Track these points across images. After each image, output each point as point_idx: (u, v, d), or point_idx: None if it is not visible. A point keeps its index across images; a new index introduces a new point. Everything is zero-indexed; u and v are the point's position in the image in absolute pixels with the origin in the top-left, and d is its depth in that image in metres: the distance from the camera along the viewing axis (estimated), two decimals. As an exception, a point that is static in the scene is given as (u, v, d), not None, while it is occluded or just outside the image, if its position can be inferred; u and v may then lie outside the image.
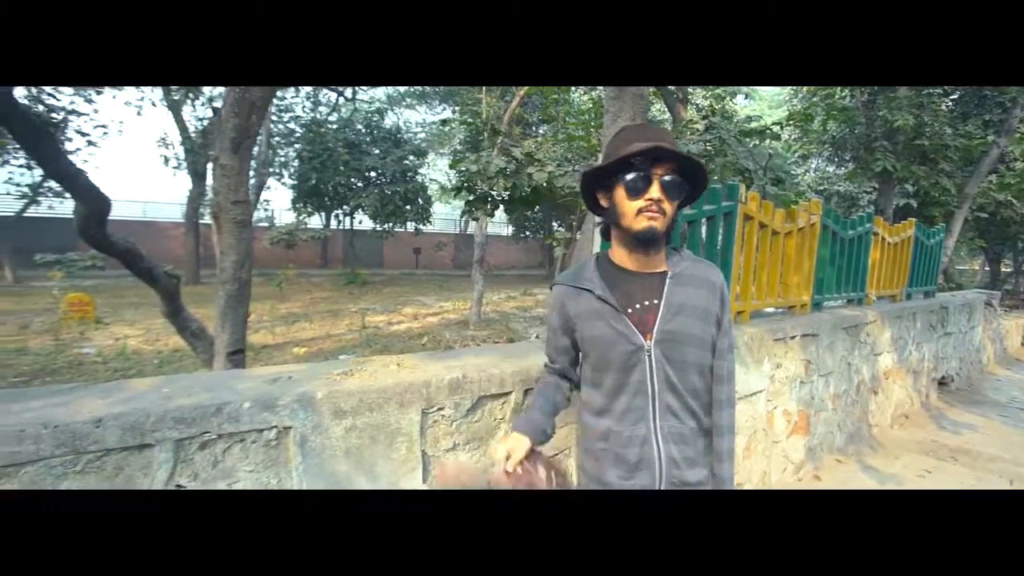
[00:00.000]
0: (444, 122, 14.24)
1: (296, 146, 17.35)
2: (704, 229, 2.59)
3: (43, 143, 2.07)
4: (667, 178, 1.12)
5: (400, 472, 1.50)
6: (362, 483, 1.44)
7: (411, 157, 16.81)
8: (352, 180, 15.99)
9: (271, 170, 17.21)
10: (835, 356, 3.45)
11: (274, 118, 17.05)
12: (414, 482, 1.53)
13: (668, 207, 1.13)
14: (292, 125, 17.97)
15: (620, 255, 1.23)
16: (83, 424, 1.15)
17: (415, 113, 24.55)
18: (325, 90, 17.12)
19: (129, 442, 1.18)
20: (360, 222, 18.92)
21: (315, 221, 19.70)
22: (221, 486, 1.28)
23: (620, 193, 1.14)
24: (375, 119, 17.83)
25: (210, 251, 12.80)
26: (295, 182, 17.26)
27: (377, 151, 16.52)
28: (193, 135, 13.72)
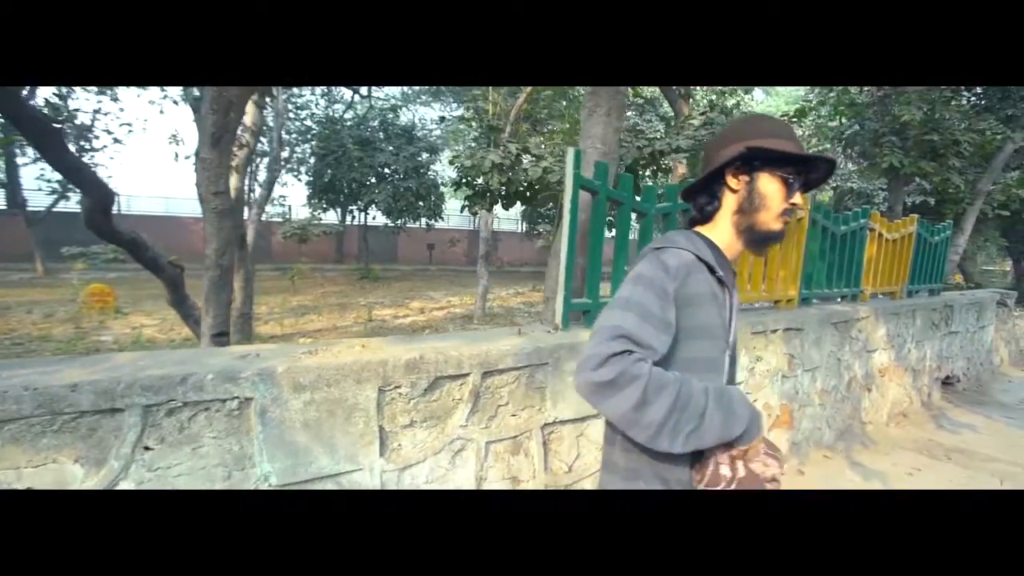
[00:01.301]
0: (442, 119, 14.37)
1: (312, 143, 17.70)
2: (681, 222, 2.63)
3: (48, 139, 2.22)
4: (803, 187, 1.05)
5: (358, 445, 1.60)
6: (320, 454, 1.54)
7: (424, 154, 16.99)
8: (365, 176, 16.25)
9: (287, 166, 17.64)
10: (822, 351, 3.45)
11: (291, 115, 17.44)
12: (371, 455, 1.62)
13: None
14: (308, 122, 18.32)
15: (728, 241, 1.07)
16: (60, 388, 1.27)
17: (430, 110, 24.78)
18: (342, 88, 17.40)
19: (101, 406, 1.30)
20: (374, 218, 19.22)
21: (331, 216, 20.06)
22: (187, 451, 1.40)
23: (771, 186, 1.02)
24: (389, 116, 18.05)
25: (227, 245, 13.17)
26: (310, 178, 17.64)
27: (391, 148, 16.73)
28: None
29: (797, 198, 1.03)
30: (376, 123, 17.78)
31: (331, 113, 18.34)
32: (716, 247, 1.07)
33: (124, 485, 1.34)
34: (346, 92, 18.40)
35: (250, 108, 5.74)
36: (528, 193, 4.39)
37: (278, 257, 19.78)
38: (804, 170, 1.04)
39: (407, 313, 9.33)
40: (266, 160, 9.70)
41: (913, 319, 4.54)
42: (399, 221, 17.38)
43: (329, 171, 16.17)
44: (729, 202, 1.06)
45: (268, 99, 6.86)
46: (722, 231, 1.07)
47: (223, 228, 1.95)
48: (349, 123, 17.66)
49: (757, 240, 1.05)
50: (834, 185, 11.60)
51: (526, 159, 4.02)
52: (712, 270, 1.01)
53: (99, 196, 2.50)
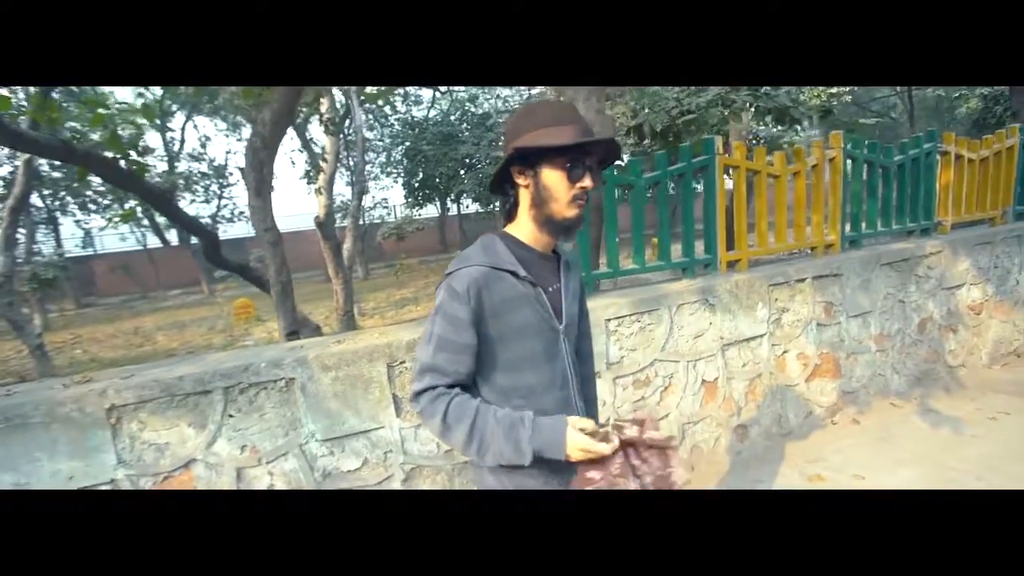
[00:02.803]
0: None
1: (406, 144, 19.12)
2: (672, 187, 2.73)
3: (164, 204, 3.01)
4: (595, 169, 1.09)
5: (377, 409, 2.08)
6: (349, 416, 2.05)
7: (503, 139, 17.42)
8: (453, 169, 17.19)
9: (386, 170, 19.35)
10: (873, 295, 3.27)
11: (383, 119, 19.01)
12: (389, 416, 2.09)
13: (591, 195, 1.12)
14: (398, 127, 19.75)
15: (532, 235, 1.12)
16: (172, 379, 1.90)
17: (516, 95, 25.11)
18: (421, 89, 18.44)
19: (198, 388, 1.91)
20: (467, 206, 20.26)
21: (431, 210, 21.49)
22: (256, 417, 1.97)
23: (553, 176, 1.05)
24: (468, 107, 18.76)
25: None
26: (405, 179, 19.12)
27: (472, 138, 17.45)
28: (317, 151, 16.03)
29: (587, 181, 1.05)
30: (456, 116, 18.63)
31: (413, 114, 19.53)
32: (524, 244, 1.12)
33: (220, 442, 1.95)
34: (426, 92, 19.47)
35: (329, 141, 6.58)
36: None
37: (389, 255, 21.61)
38: (590, 151, 1.05)
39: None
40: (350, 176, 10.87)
41: (1020, 246, 3.98)
42: (488, 207, 18.14)
43: (420, 170, 17.39)
44: (524, 198, 1.10)
45: (344, 123, 7.72)
46: (524, 227, 1.12)
47: (277, 254, 2.55)
48: (431, 121, 18.69)
49: (557, 229, 1.09)
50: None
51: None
52: (515, 274, 1.06)
53: (207, 238, 3.31)
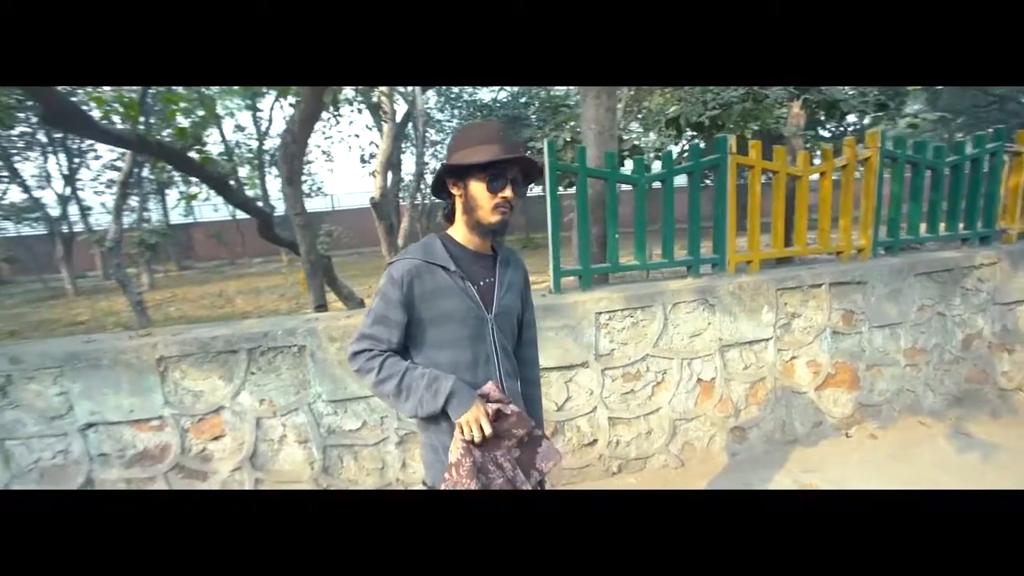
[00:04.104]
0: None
1: (471, 127, 19.49)
2: (679, 184, 2.74)
3: (221, 187, 3.45)
4: (517, 182, 1.26)
5: (375, 378, 2.34)
6: (351, 382, 2.33)
7: (568, 123, 17.30)
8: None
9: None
10: (904, 305, 3.09)
11: (453, 100, 19.54)
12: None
13: (514, 203, 1.27)
14: (466, 109, 20.17)
15: (465, 236, 1.31)
16: (208, 338, 2.27)
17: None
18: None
19: (227, 348, 2.27)
20: (531, 189, 20.40)
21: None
22: (273, 376, 2.31)
23: (478, 188, 1.23)
24: (534, 89, 18.74)
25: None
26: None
27: (537, 121, 17.47)
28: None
29: (507, 191, 1.23)
30: (525, 99, 18.69)
31: (482, 97, 19.79)
32: (459, 244, 1.31)
33: (243, 394, 2.30)
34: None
35: (387, 125, 6.95)
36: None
37: None
38: (511, 165, 1.22)
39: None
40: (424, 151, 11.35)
41: (1105, 261, 3.55)
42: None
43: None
44: (458, 205, 1.30)
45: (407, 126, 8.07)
46: (459, 229, 1.32)
47: (306, 236, 2.88)
48: (499, 103, 18.88)
49: (484, 232, 1.28)
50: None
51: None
52: (446, 268, 1.25)
53: (262, 217, 3.74)
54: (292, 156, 2.73)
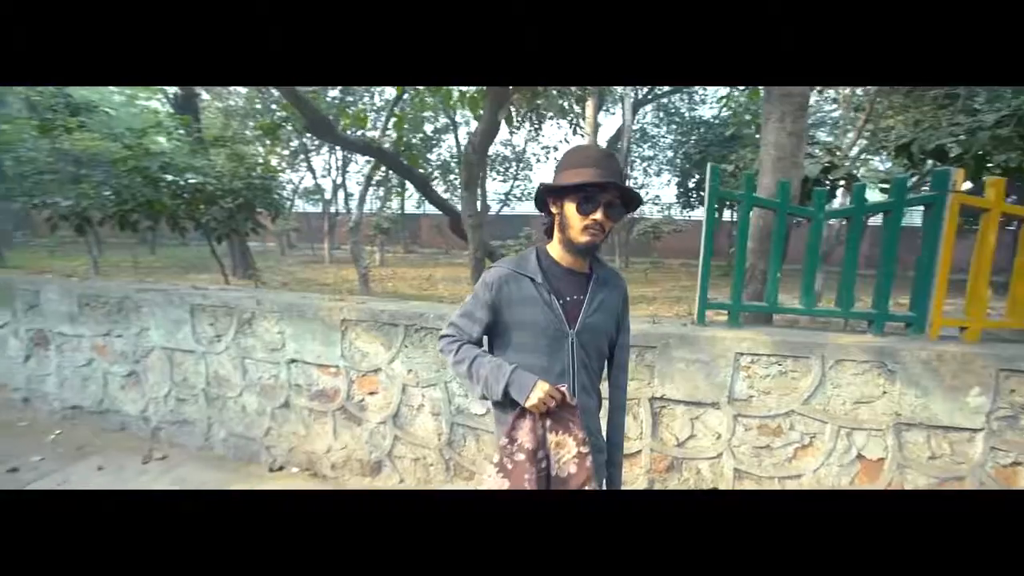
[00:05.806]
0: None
1: (687, 144, 18.83)
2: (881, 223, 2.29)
3: (423, 187, 4.08)
4: (612, 205, 1.31)
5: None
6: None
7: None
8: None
9: (665, 167, 19.68)
10: None
11: (672, 115, 19.14)
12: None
13: (607, 226, 1.32)
14: (684, 126, 19.48)
15: (559, 253, 1.39)
16: (378, 311, 2.77)
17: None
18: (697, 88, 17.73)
19: (390, 321, 2.74)
20: (733, 214, 18.77)
21: (702, 213, 20.63)
22: (421, 351, 2.70)
23: (571, 208, 1.31)
24: (753, 107, 17.12)
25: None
26: (679, 179, 18.88)
27: (754, 141, 15.93)
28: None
29: (597, 215, 1.29)
30: (749, 117, 17.20)
31: (692, 116, 18.94)
32: (552, 259, 1.40)
33: (396, 362, 2.75)
34: (720, 90, 18.49)
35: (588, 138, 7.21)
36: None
37: (662, 252, 20.45)
38: (606, 189, 1.28)
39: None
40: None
41: None
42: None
43: (694, 171, 16.93)
44: (556, 223, 1.39)
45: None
46: (555, 245, 1.41)
47: (475, 236, 3.25)
48: (718, 120, 17.74)
49: (575, 250, 1.36)
50: None
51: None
52: (534, 280, 1.35)
53: (452, 215, 4.33)
54: (471, 164, 3.14)
